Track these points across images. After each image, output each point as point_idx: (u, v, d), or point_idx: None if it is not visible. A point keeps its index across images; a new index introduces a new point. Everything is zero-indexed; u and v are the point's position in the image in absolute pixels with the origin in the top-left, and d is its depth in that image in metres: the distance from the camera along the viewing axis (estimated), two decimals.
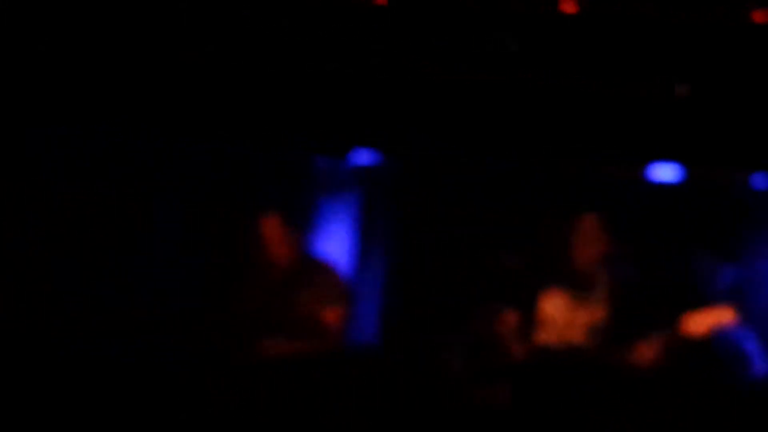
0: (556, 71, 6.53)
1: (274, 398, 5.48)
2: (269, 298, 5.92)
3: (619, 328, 5.84)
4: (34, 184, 6.70)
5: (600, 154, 6.86)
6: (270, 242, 5.95)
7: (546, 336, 5.91)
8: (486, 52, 6.45)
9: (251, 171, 6.97)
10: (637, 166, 6.99)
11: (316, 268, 6.08)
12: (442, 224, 7.10)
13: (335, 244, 7.20)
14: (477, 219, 7.04)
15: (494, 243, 6.77)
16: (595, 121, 6.71)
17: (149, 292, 6.59)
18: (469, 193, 7.09)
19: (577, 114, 6.68)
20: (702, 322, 5.58)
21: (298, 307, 5.82)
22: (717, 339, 5.76)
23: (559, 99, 6.69)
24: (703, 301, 6.13)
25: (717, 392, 5.71)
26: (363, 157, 7.22)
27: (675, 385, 5.69)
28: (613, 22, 6.30)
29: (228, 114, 6.83)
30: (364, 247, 7.24)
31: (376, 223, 7.29)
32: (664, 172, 6.88)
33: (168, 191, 6.89)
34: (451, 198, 7.12)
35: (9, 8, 6.37)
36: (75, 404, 5.51)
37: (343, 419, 5.39)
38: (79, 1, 6.40)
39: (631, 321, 5.86)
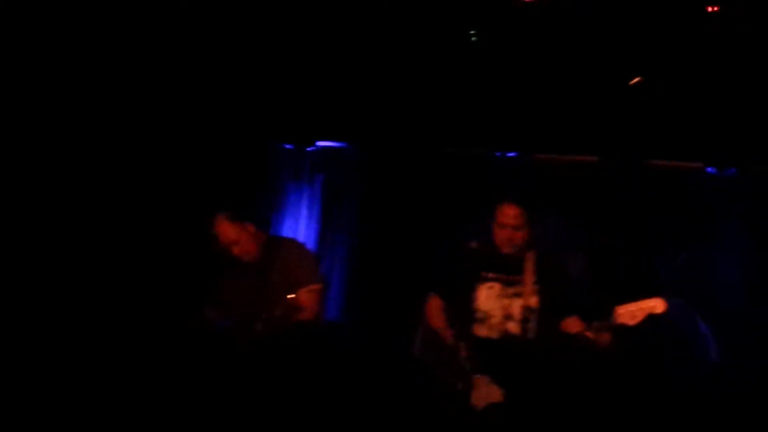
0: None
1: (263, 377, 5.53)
2: (250, 284, 5.92)
3: (553, 316, 5.85)
4: None
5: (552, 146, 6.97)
6: (228, 243, 5.93)
7: (482, 330, 5.92)
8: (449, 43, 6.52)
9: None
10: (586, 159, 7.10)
11: (284, 249, 6.04)
12: (397, 210, 7.17)
13: (301, 227, 7.27)
14: (429, 206, 7.11)
15: (441, 230, 6.91)
16: (548, 108, 6.79)
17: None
18: (423, 180, 7.15)
19: (526, 101, 6.76)
20: (634, 314, 5.61)
21: (275, 291, 5.82)
22: (660, 327, 5.81)
23: (512, 87, 6.77)
24: (649, 287, 6.17)
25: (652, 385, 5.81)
26: (326, 143, 7.28)
27: (609, 373, 5.74)
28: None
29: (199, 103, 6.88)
30: (327, 230, 7.35)
31: (337, 207, 7.35)
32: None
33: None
34: (407, 185, 7.19)
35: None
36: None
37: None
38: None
39: (565, 309, 5.86)
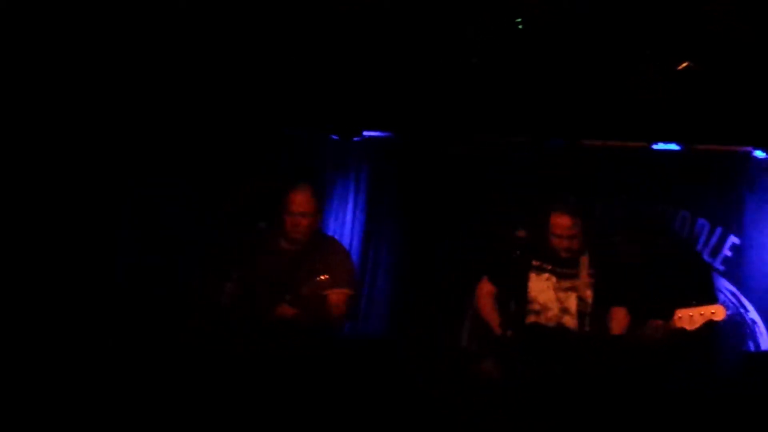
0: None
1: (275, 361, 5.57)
2: (283, 267, 5.94)
3: (606, 307, 5.91)
4: None
5: (597, 131, 6.92)
6: (298, 211, 5.97)
7: (535, 316, 5.97)
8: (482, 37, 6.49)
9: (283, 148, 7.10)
10: (634, 144, 7.04)
11: (327, 248, 6.11)
12: (444, 200, 7.15)
13: (347, 217, 7.26)
14: (478, 199, 7.09)
15: (492, 223, 6.84)
16: (593, 99, 6.74)
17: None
18: (469, 169, 7.13)
19: (573, 93, 6.72)
20: (693, 319, 5.62)
21: (307, 283, 5.83)
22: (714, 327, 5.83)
23: (555, 79, 6.74)
24: (701, 275, 6.17)
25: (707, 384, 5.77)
26: (372, 133, 7.26)
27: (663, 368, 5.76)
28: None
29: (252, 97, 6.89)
30: (373, 220, 7.30)
31: (384, 197, 7.34)
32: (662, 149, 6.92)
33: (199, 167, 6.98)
34: (453, 174, 7.17)
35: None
36: None
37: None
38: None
39: (618, 302, 5.92)
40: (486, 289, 6.13)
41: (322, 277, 5.81)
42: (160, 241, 6.94)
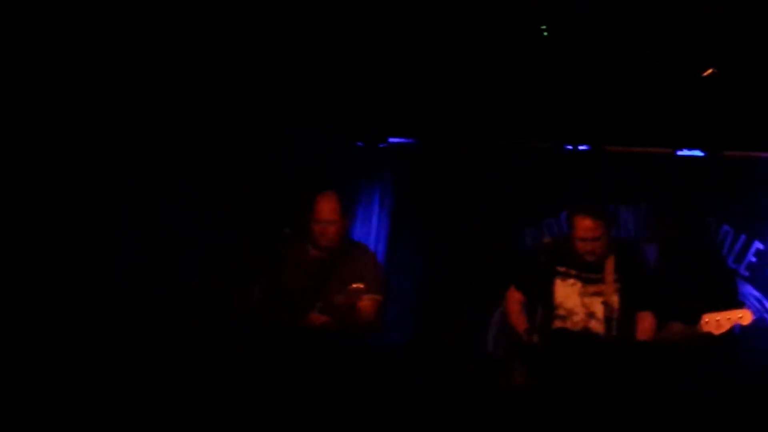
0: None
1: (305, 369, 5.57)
2: (313, 275, 5.96)
3: (633, 312, 5.92)
4: None
5: (625, 138, 6.92)
6: (323, 219, 5.97)
7: (561, 322, 6.01)
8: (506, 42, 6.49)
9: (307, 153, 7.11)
10: (659, 150, 7.03)
11: (356, 254, 6.11)
12: (470, 206, 7.15)
13: (373, 223, 7.27)
14: (502, 205, 7.10)
15: (516, 230, 6.85)
16: (617, 105, 6.73)
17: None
18: (495, 179, 7.13)
19: (596, 99, 6.71)
20: (720, 323, 5.65)
21: (339, 291, 5.84)
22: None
23: (581, 85, 6.73)
24: (726, 281, 6.17)
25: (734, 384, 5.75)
26: (398, 140, 7.27)
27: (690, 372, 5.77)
28: None
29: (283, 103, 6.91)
30: (399, 226, 7.32)
31: (409, 206, 7.35)
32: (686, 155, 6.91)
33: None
34: (478, 180, 7.17)
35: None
36: None
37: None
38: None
39: (644, 307, 5.94)
40: (514, 297, 6.17)
41: (356, 286, 5.81)
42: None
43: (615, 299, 5.95)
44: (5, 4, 6.37)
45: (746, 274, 6.92)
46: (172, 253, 6.85)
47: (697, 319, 5.71)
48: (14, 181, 6.66)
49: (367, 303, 5.86)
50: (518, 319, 6.08)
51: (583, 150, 7.08)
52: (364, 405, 5.42)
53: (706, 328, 5.67)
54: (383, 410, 5.41)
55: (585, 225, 5.99)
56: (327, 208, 6.01)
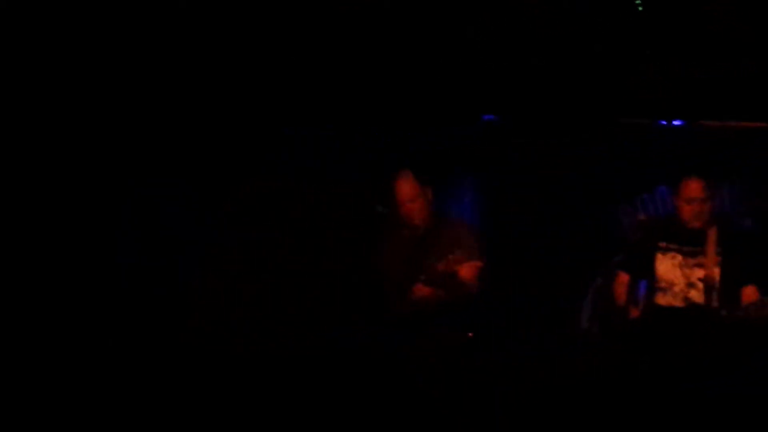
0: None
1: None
2: (409, 253, 6.04)
3: (735, 285, 5.93)
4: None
5: (720, 112, 6.90)
6: (404, 199, 6.08)
7: (666, 298, 6.02)
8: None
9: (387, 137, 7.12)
10: (754, 125, 7.01)
11: (450, 226, 6.20)
12: (566, 184, 7.16)
13: (464, 204, 7.29)
14: (598, 180, 7.10)
15: (610, 207, 6.88)
16: (711, 80, 6.70)
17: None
18: (590, 154, 7.13)
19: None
20: None
21: (435, 262, 5.90)
22: None
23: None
24: None
25: None
26: (489, 122, 7.28)
27: None
28: None
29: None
30: (490, 208, 7.29)
31: (500, 183, 7.37)
32: None
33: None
34: (574, 158, 7.17)
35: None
36: None
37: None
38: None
39: (747, 277, 5.94)
40: (621, 279, 6.19)
41: (454, 255, 5.91)
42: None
43: (716, 271, 5.96)
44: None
45: None
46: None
47: None
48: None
49: (467, 270, 5.95)
50: (620, 296, 6.11)
51: (677, 125, 7.07)
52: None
53: None
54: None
55: (693, 186, 6.02)
56: (405, 188, 6.15)
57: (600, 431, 5.44)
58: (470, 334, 5.99)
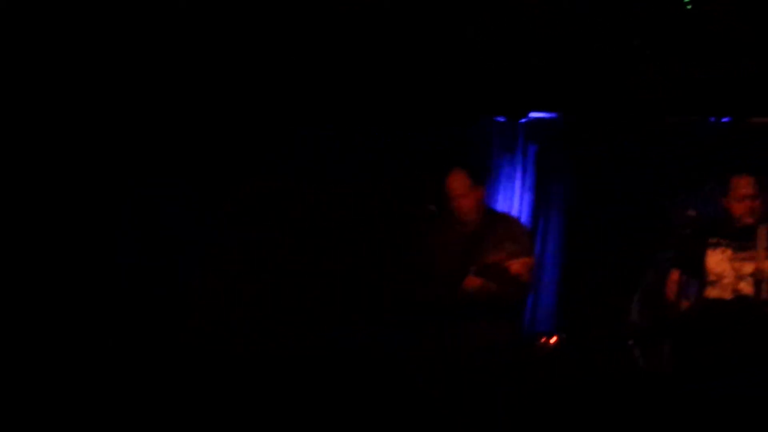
0: None
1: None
2: (461, 249, 6.08)
3: None
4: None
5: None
6: (456, 195, 6.14)
7: (714, 291, 6.06)
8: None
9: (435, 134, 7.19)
10: None
11: (501, 223, 6.24)
12: (614, 181, 7.16)
13: (515, 199, 7.39)
14: (647, 177, 7.10)
15: (663, 202, 6.90)
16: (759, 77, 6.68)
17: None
18: (638, 150, 7.13)
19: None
20: None
21: (486, 256, 5.97)
22: None
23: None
24: None
25: None
26: (538, 116, 7.28)
27: None
28: None
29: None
30: (541, 202, 7.40)
31: (551, 180, 7.37)
32: None
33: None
34: (622, 154, 7.16)
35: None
36: None
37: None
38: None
39: None
40: (674, 277, 6.24)
41: (504, 248, 5.96)
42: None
43: (766, 265, 5.99)
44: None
45: None
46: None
47: None
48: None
49: (518, 265, 5.97)
50: (671, 291, 6.16)
51: (725, 122, 7.07)
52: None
53: None
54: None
55: (744, 183, 6.06)
56: (456, 183, 6.20)
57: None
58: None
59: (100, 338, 6.14)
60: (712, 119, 7.08)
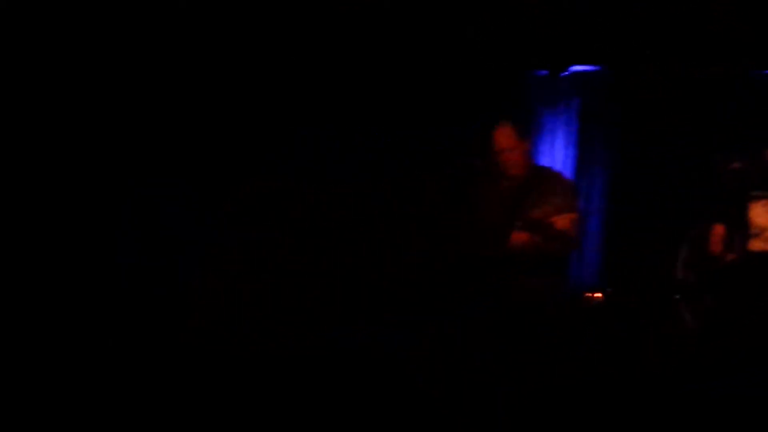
0: None
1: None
2: (507, 204, 6.08)
3: None
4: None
5: None
6: (503, 149, 6.10)
7: (758, 244, 6.08)
8: None
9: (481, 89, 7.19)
10: None
11: (546, 178, 6.21)
12: (658, 134, 7.15)
13: (557, 153, 7.39)
14: (691, 130, 7.08)
15: (706, 155, 6.82)
16: None
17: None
18: (682, 104, 7.11)
19: None
20: None
21: (532, 211, 5.95)
22: None
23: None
24: None
25: None
26: (581, 70, 7.29)
27: None
28: None
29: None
30: (584, 155, 7.38)
31: (594, 134, 7.37)
32: None
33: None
34: (666, 109, 7.15)
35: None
36: None
37: None
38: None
39: None
40: (718, 230, 6.22)
41: (549, 203, 5.95)
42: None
43: None
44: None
45: None
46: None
47: None
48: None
49: (563, 221, 5.96)
50: (715, 244, 6.16)
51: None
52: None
53: None
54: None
55: None
56: (504, 137, 6.13)
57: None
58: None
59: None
60: (756, 72, 7.05)
